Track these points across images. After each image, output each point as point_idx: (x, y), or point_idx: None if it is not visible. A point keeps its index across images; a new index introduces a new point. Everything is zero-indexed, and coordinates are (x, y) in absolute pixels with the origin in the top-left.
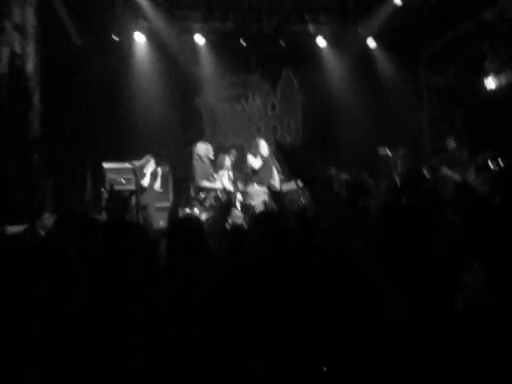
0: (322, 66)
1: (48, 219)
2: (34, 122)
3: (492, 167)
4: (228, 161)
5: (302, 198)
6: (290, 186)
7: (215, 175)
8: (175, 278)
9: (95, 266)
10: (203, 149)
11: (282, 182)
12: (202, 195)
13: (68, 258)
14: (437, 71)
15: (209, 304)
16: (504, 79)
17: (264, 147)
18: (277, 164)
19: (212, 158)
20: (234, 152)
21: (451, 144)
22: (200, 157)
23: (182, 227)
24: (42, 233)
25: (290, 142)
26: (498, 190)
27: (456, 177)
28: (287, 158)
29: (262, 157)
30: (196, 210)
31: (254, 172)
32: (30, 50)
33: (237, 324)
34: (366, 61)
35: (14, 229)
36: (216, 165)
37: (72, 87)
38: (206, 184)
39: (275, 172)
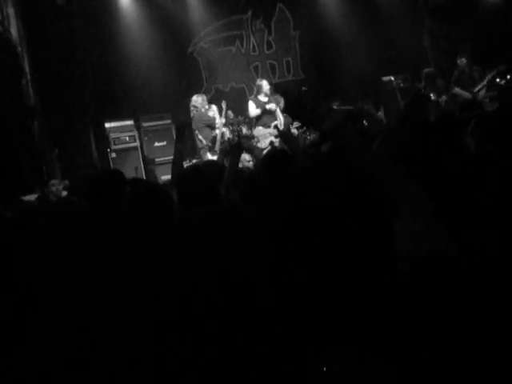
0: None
1: (55, 185)
2: (27, 89)
3: (499, 82)
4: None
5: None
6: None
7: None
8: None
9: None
10: (199, 100)
11: (288, 121)
12: (209, 142)
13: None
14: None
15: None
16: None
17: (266, 86)
18: (281, 104)
19: (207, 107)
20: (224, 104)
21: (462, 62)
22: (196, 107)
23: (191, 177)
24: (54, 199)
25: (289, 87)
26: (506, 104)
27: (467, 95)
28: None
29: (268, 96)
30: (209, 155)
31: (258, 117)
32: (11, 13)
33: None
34: None
35: (28, 198)
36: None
37: (60, 50)
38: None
39: (279, 111)
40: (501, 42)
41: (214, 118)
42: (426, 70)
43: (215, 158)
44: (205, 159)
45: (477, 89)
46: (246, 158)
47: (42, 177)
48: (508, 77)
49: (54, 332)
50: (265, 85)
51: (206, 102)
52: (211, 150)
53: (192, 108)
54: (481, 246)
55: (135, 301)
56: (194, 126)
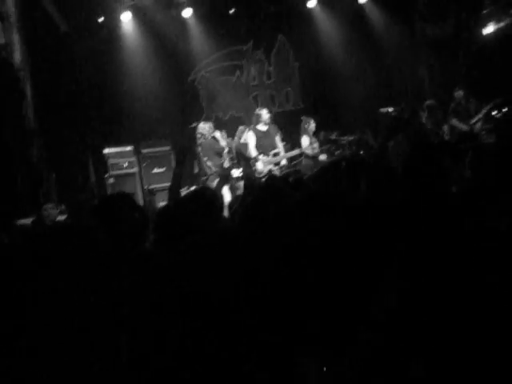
0: (314, 28)
1: (50, 209)
2: (28, 113)
3: (495, 115)
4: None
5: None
6: (294, 152)
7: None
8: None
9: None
10: (206, 128)
11: (286, 149)
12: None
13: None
14: (433, 22)
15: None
16: (503, 24)
17: (266, 115)
18: (279, 132)
19: (214, 135)
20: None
21: (459, 94)
22: (204, 135)
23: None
24: (49, 223)
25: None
26: (504, 136)
27: (464, 127)
28: None
29: (267, 125)
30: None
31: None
32: (15, 39)
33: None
34: (359, 17)
35: (23, 222)
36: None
37: (62, 75)
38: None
39: (278, 140)
40: (497, 76)
41: (223, 148)
42: (428, 102)
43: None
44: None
45: (473, 121)
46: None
47: (38, 200)
48: (504, 110)
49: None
50: (264, 113)
51: (213, 130)
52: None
53: (199, 135)
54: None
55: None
56: (202, 154)
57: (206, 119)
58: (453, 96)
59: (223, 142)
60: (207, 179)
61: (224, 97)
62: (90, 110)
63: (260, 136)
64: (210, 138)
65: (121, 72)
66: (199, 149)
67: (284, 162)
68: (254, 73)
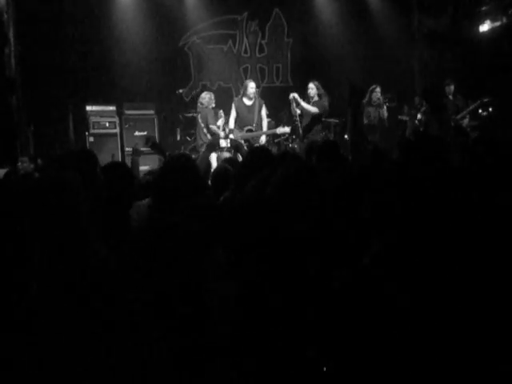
0: (312, 7)
1: (25, 162)
2: (9, 59)
3: (481, 113)
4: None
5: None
6: (285, 129)
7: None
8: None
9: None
10: (207, 98)
11: (271, 125)
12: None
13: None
14: (431, 14)
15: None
16: (498, 23)
17: (251, 89)
18: (265, 108)
19: (214, 105)
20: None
21: (450, 89)
22: (203, 104)
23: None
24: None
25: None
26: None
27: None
28: None
29: (250, 99)
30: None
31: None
32: None
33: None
34: (358, 1)
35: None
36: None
37: (48, 26)
38: (214, 129)
39: (263, 116)
40: (487, 75)
41: (219, 127)
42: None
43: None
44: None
45: (459, 116)
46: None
47: (15, 152)
48: (490, 109)
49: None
50: (250, 87)
51: (213, 101)
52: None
53: (199, 104)
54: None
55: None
56: (200, 121)
57: (193, 87)
58: (443, 90)
59: (220, 120)
60: (201, 146)
61: (213, 65)
62: (75, 64)
63: (242, 109)
64: (209, 107)
65: (110, 30)
66: (198, 116)
67: (263, 138)
68: (247, 44)
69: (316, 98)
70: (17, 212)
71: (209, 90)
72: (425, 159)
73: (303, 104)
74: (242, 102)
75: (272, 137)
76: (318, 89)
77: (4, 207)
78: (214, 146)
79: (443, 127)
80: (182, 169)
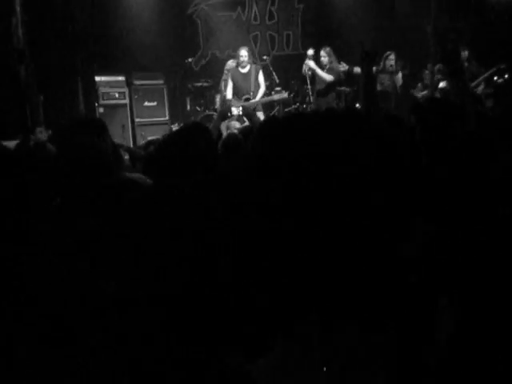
0: None
1: (41, 132)
2: (17, 30)
3: (496, 81)
4: None
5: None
6: (282, 95)
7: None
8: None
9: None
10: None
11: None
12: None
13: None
14: None
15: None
16: None
17: (243, 57)
18: (261, 73)
19: None
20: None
21: (464, 55)
22: (229, 71)
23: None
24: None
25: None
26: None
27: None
28: None
29: (243, 67)
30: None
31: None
32: None
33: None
34: None
35: (10, 144)
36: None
37: None
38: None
39: (261, 82)
40: (502, 41)
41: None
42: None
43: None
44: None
45: (474, 83)
46: (235, 126)
47: (26, 123)
48: (506, 76)
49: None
50: (240, 54)
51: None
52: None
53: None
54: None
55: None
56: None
57: (202, 56)
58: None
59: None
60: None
61: (222, 34)
62: (83, 34)
63: (238, 78)
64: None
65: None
66: (222, 84)
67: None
68: (257, 11)
69: (329, 65)
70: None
71: (218, 58)
72: (436, 125)
73: (318, 71)
74: (238, 70)
75: (282, 106)
76: (329, 55)
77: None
78: (225, 114)
79: (461, 93)
80: (183, 143)
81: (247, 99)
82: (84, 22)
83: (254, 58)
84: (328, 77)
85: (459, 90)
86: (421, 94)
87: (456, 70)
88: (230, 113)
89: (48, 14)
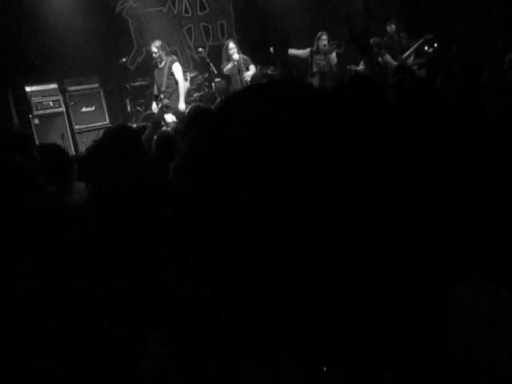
0: None
1: None
2: None
3: (426, 50)
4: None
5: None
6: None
7: None
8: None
9: None
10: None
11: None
12: None
13: None
14: None
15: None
16: None
17: (155, 52)
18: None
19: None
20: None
21: (392, 28)
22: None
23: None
24: None
25: None
26: (434, 72)
27: (395, 63)
28: None
29: (159, 63)
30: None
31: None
32: None
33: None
34: None
35: None
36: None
37: None
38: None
39: (177, 77)
40: (428, 11)
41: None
42: (375, 39)
43: None
44: None
45: (405, 55)
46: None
47: None
48: (435, 45)
49: None
50: (152, 48)
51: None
52: None
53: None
54: None
55: None
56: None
57: (136, 54)
58: (385, 29)
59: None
60: None
61: (155, 29)
62: (8, 43)
63: (156, 77)
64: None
65: (44, 5)
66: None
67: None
68: (187, 3)
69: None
70: None
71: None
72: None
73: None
74: (157, 67)
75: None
76: (234, 48)
77: None
78: (158, 123)
79: (372, 68)
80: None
81: (159, 100)
82: (8, 32)
83: (167, 50)
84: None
85: (370, 65)
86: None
87: (365, 48)
88: (164, 121)
89: None
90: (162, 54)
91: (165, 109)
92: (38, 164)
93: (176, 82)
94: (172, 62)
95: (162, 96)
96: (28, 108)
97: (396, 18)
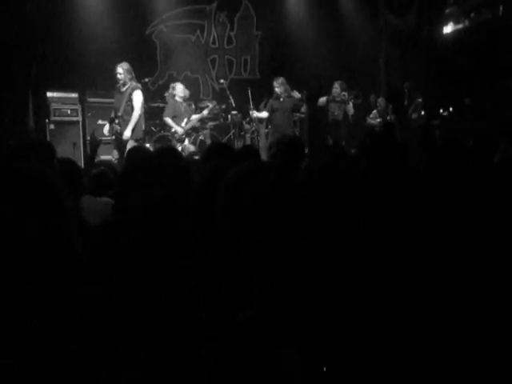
0: (282, 1)
1: None
2: None
3: (442, 112)
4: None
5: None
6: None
7: (186, 120)
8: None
9: None
10: (181, 90)
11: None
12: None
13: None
14: (397, 13)
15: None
16: (461, 26)
17: (119, 74)
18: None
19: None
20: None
21: (418, 101)
22: (174, 96)
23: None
24: None
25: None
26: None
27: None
28: None
29: (123, 85)
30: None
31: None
32: None
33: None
34: None
35: None
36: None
37: (10, 12)
38: (169, 121)
39: (134, 105)
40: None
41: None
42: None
43: None
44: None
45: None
46: (190, 149)
47: None
48: (451, 109)
49: None
50: (117, 69)
51: (187, 96)
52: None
53: (169, 94)
54: None
55: None
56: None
57: (159, 77)
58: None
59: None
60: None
61: (181, 55)
62: (36, 47)
63: (116, 100)
64: (181, 100)
65: (74, 15)
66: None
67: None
68: (215, 35)
69: (284, 94)
70: None
71: (175, 80)
72: (381, 160)
73: (255, 114)
74: (118, 90)
75: (238, 129)
76: (282, 85)
77: None
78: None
79: (404, 129)
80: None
81: (113, 125)
82: (37, 38)
83: (132, 75)
84: (263, 114)
85: (402, 126)
86: (377, 121)
87: (399, 108)
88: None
89: (1, 27)
90: (127, 78)
91: (117, 134)
92: (58, 175)
93: (133, 110)
94: (134, 89)
95: (116, 121)
96: (46, 113)
97: (413, 80)
